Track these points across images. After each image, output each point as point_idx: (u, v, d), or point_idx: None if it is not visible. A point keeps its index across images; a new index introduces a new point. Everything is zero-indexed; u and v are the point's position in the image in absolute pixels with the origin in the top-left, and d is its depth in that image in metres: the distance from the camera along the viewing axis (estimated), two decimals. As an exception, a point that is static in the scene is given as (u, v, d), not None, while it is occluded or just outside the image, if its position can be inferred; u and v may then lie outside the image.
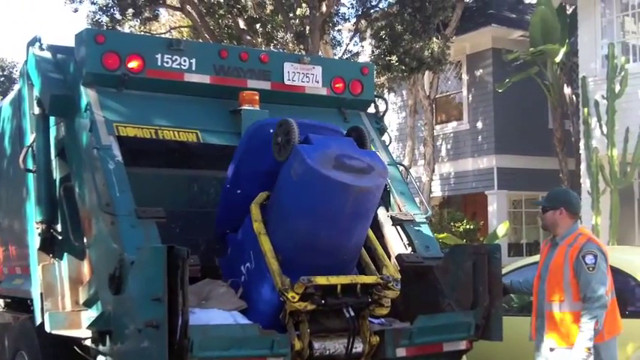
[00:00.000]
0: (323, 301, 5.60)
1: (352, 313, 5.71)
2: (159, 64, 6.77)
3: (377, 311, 5.92)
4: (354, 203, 5.74)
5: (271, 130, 5.97)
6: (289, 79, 7.30)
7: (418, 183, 17.28)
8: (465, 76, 23.32)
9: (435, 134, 22.68)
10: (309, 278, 5.56)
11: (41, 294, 6.83)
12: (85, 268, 6.62)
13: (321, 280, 5.61)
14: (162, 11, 24.93)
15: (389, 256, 6.66)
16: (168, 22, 27.35)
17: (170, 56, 6.80)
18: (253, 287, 5.94)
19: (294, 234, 5.77)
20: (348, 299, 5.72)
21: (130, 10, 21.03)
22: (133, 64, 6.66)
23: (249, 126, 6.36)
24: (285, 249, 5.77)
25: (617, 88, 16.69)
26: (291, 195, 5.77)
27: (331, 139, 5.95)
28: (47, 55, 7.10)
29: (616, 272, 6.04)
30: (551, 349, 5.85)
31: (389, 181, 6.91)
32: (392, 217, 7.00)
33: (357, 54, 22.35)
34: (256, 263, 5.93)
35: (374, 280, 5.89)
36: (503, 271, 7.28)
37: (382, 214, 7.03)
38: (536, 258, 8.01)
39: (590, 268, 5.71)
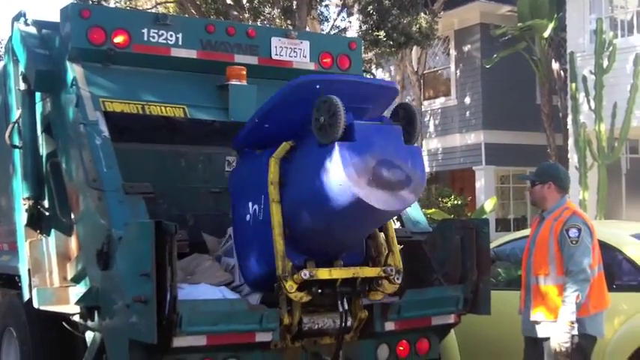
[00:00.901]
0: (320, 291, 5.55)
1: (346, 306, 5.70)
2: (145, 38, 6.71)
3: (371, 296, 5.87)
4: (377, 220, 5.69)
5: (318, 87, 5.51)
6: (277, 54, 7.26)
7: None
8: (452, 52, 23.31)
9: (422, 110, 22.68)
10: (311, 272, 5.47)
11: (29, 270, 6.82)
12: (73, 244, 6.60)
13: (323, 273, 5.53)
14: (149, -13, 24.77)
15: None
16: (155, -2, 27.17)
17: (156, 31, 6.75)
18: (256, 237, 5.82)
19: (305, 216, 5.57)
20: (345, 290, 5.68)
21: (116, -15, 20.91)
22: (119, 39, 6.60)
23: (297, 78, 5.85)
24: (293, 225, 5.60)
25: (605, 63, 16.72)
26: (316, 185, 5.35)
27: (376, 133, 5.42)
28: (32, 30, 7.03)
29: (603, 247, 6.06)
30: (537, 323, 5.88)
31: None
32: (380, 193, 6.95)
33: (345, 29, 22.29)
34: (264, 216, 5.73)
35: (376, 274, 5.78)
36: (493, 244, 7.31)
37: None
38: (525, 232, 8.06)
39: (574, 242, 5.73)
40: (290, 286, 5.44)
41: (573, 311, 5.63)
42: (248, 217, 5.93)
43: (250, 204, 5.91)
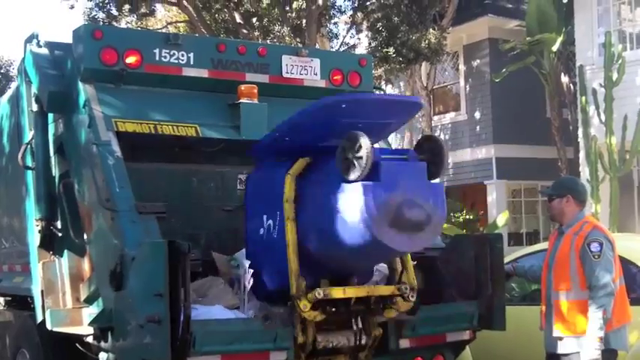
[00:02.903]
0: (334, 310, 5.53)
1: (360, 325, 5.69)
2: (157, 58, 6.73)
3: (385, 314, 5.85)
4: (393, 257, 5.80)
5: (343, 106, 5.53)
6: (287, 72, 7.27)
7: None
8: (462, 67, 23.31)
9: (432, 125, 22.68)
10: (325, 291, 5.45)
11: (42, 291, 6.82)
12: (86, 264, 6.60)
13: (337, 292, 5.51)
14: (159, 6, 24.88)
15: None
16: (165, 18, 27.29)
17: (168, 51, 6.77)
18: (269, 253, 5.78)
19: (321, 244, 5.52)
20: (359, 308, 5.66)
21: (127, 6, 21.00)
22: (131, 60, 6.62)
23: (325, 98, 5.85)
24: (307, 245, 5.57)
25: (615, 76, 16.67)
26: (335, 218, 5.32)
27: (402, 171, 5.39)
28: (45, 51, 7.07)
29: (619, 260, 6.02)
30: (559, 339, 5.83)
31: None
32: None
33: (354, 46, 22.34)
34: (278, 234, 5.71)
35: (391, 292, 5.76)
36: (507, 258, 7.28)
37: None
38: (540, 246, 8.03)
39: (596, 256, 5.69)
40: (304, 305, 5.42)
41: (601, 326, 5.58)
42: (262, 230, 5.91)
43: (265, 217, 5.89)
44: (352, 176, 5.20)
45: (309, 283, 5.52)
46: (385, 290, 5.76)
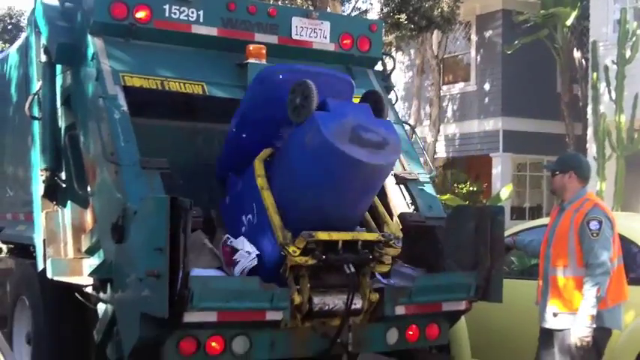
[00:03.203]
0: (324, 257, 5.62)
1: (353, 270, 5.73)
2: (166, 14, 6.72)
3: (377, 268, 5.94)
4: (365, 179, 5.75)
5: (280, 76, 5.91)
6: (297, 34, 7.25)
7: (423, 143, 17.27)
8: (473, 37, 23.18)
9: (441, 95, 22.59)
10: (311, 233, 5.57)
11: (44, 240, 6.89)
12: (88, 216, 6.64)
13: (322, 235, 5.62)
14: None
15: (391, 215, 6.66)
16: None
17: (178, 7, 6.76)
18: (254, 241, 5.94)
19: (299, 197, 5.74)
20: (349, 255, 5.73)
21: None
22: (141, 14, 6.61)
23: (259, 72, 6.29)
24: (287, 207, 5.76)
25: (628, 53, 16.59)
26: (300, 161, 5.70)
27: (348, 106, 5.86)
28: (55, 3, 7.07)
29: (619, 239, 6.03)
30: (555, 314, 5.86)
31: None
32: (396, 176, 6.98)
33: (366, 11, 22.23)
34: (258, 218, 5.92)
35: (375, 238, 5.90)
36: (509, 232, 7.29)
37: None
38: (541, 221, 8.03)
39: (594, 234, 5.70)
40: (293, 250, 5.55)
41: (594, 305, 5.60)
42: (243, 229, 6.06)
43: (243, 218, 6.07)
44: (301, 117, 5.66)
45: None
46: (370, 236, 5.91)
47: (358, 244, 5.78)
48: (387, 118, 6.21)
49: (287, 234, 5.62)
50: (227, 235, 6.09)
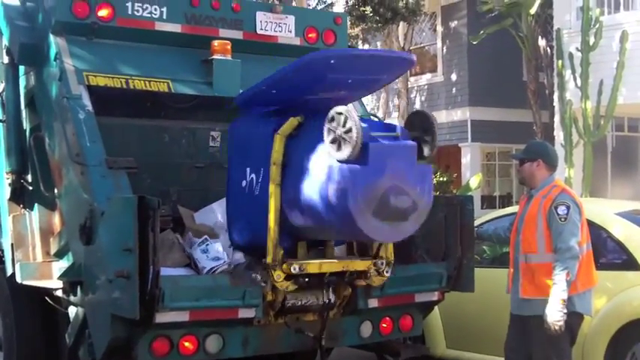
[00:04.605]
0: (307, 280, 5.55)
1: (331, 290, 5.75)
2: (129, 12, 6.65)
3: (356, 283, 5.87)
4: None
5: (332, 61, 5.38)
6: (262, 29, 7.21)
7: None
8: (439, 28, 23.23)
9: (409, 86, 22.60)
10: (301, 266, 5.47)
11: (12, 244, 6.81)
12: (56, 218, 6.58)
13: (313, 267, 5.53)
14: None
15: None
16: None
17: (141, 4, 6.69)
18: (249, 208, 5.77)
19: (302, 215, 5.46)
20: (332, 279, 5.70)
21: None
22: (103, 13, 6.54)
23: (311, 54, 5.71)
24: (288, 211, 5.51)
25: (592, 40, 16.67)
26: (320, 194, 5.23)
27: (391, 154, 5.21)
28: (16, 3, 6.97)
29: (588, 225, 6.06)
30: (526, 301, 5.88)
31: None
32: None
33: (332, 4, 22.17)
34: (260, 192, 5.66)
35: (366, 267, 5.76)
36: (479, 221, 7.31)
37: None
38: (508, 210, 8.07)
39: (562, 219, 5.73)
40: (278, 275, 5.44)
41: (564, 289, 5.62)
42: (244, 183, 5.85)
43: (248, 170, 5.82)
44: (340, 155, 5.10)
45: (287, 245, 5.54)
46: (361, 265, 5.76)
47: (346, 273, 5.71)
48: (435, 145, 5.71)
49: (278, 253, 5.45)
50: (205, 237, 6.04)
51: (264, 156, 5.59)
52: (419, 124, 5.61)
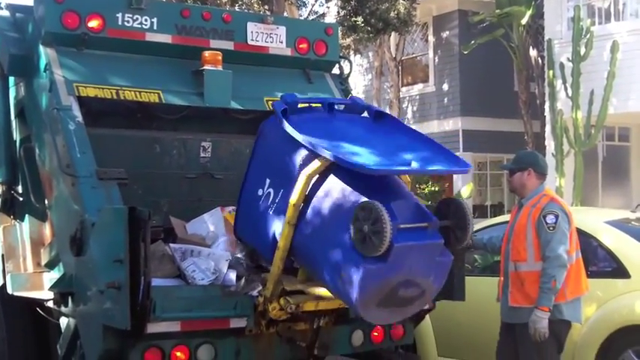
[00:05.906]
0: (301, 312, 5.55)
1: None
2: (120, 23, 6.66)
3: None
4: None
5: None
6: (253, 40, 7.21)
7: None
8: (431, 38, 23.30)
9: (400, 96, 22.68)
10: (298, 305, 5.43)
11: (2, 255, 6.80)
12: (47, 229, 6.57)
13: (309, 306, 5.51)
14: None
15: None
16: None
17: (131, 15, 6.69)
18: (261, 217, 5.60)
19: (306, 265, 5.45)
20: (326, 313, 5.74)
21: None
22: (93, 24, 6.55)
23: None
24: (297, 252, 5.36)
25: (583, 50, 16.77)
26: (330, 263, 5.02)
27: (415, 252, 4.89)
28: (5, 14, 7.00)
29: (578, 233, 6.09)
30: (515, 309, 5.90)
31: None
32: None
33: (323, 15, 22.21)
34: (275, 212, 5.45)
35: None
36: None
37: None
38: (500, 219, 8.09)
39: (551, 228, 5.75)
40: (273, 307, 5.43)
41: (550, 297, 5.66)
42: (260, 192, 5.65)
43: (268, 182, 5.59)
44: (365, 251, 4.77)
45: (289, 264, 5.50)
46: None
47: (340, 309, 5.70)
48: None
49: (277, 288, 5.39)
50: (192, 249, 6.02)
51: (288, 175, 5.33)
52: (452, 212, 5.25)
